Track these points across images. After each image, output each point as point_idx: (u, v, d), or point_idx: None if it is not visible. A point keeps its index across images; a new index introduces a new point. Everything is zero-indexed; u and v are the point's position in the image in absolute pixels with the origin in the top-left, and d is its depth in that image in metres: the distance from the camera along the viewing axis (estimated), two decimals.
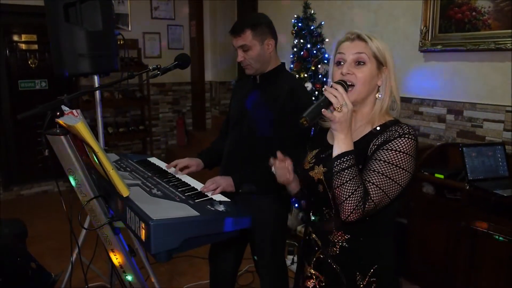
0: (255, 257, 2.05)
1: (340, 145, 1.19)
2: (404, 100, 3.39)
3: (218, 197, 1.56)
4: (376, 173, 1.19)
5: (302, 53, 3.54)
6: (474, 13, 2.82)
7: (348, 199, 1.16)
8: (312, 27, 3.53)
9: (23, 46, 4.94)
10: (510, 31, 2.63)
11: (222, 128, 2.20)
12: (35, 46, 4.99)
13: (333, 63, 1.35)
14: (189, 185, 1.67)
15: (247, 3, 5.52)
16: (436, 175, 2.66)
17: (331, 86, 1.21)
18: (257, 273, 2.18)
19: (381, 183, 1.18)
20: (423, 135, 3.28)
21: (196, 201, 1.46)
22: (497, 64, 2.77)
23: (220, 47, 5.97)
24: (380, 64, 1.30)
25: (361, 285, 1.31)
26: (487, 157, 2.58)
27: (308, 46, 3.52)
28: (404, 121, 3.36)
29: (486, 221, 2.35)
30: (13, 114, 4.81)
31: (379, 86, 1.32)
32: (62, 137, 1.37)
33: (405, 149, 1.20)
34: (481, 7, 2.78)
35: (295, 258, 3.12)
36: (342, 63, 1.30)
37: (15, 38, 4.89)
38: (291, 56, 3.67)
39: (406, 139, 1.21)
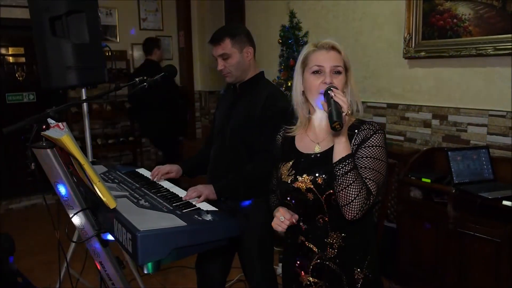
0: (243, 265, 2.07)
1: (341, 149, 1.26)
2: (390, 106, 3.44)
3: (205, 206, 1.57)
4: (369, 169, 1.28)
5: (289, 61, 3.58)
6: (455, 20, 2.89)
7: (356, 199, 1.23)
8: (298, 36, 3.57)
9: (11, 59, 4.91)
10: (490, 37, 2.70)
11: (207, 136, 2.23)
12: (23, 59, 4.96)
13: (302, 71, 1.41)
14: (177, 195, 1.68)
15: (235, 12, 5.57)
16: (423, 179, 2.69)
17: (330, 91, 1.27)
18: (247, 281, 2.19)
19: (375, 177, 1.28)
20: (410, 140, 3.33)
21: (184, 211, 1.47)
22: (478, 69, 2.83)
23: (209, 56, 5.99)
24: (347, 70, 1.39)
25: (360, 279, 1.37)
26: (472, 160, 2.63)
27: (295, 54, 3.56)
28: (391, 126, 3.44)
29: (473, 223, 2.39)
30: (1, 127, 4.75)
31: (344, 91, 1.39)
32: (48, 150, 1.38)
33: (381, 143, 1.32)
34: (461, 14, 2.84)
35: None
36: (320, 72, 1.36)
37: (3, 51, 4.87)
38: (278, 65, 3.70)
39: (379, 134, 1.33)
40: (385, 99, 3.47)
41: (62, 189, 1.44)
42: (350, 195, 1.23)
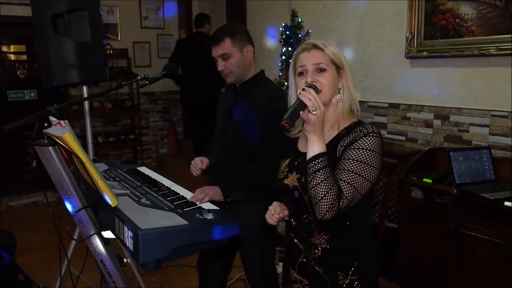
0: (244, 264, 2.06)
1: (314, 147, 1.24)
2: (392, 106, 3.43)
3: (207, 206, 1.57)
4: (346, 171, 1.25)
5: (290, 61, 3.58)
6: (457, 20, 2.88)
7: (323, 198, 1.21)
8: (300, 35, 3.57)
9: (12, 56, 4.92)
10: (492, 37, 2.69)
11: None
12: (24, 57, 4.97)
13: (294, 75, 1.41)
14: (178, 194, 1.68)
15: (236, 11, 5.56)
16: (425, 179, 2.69)
17: (304, 90, 1.26)
18: (247, 280, 2.19)
19: (352, 180, 1.24)
20: (411, 140, 3.32)
21: (185, 210, 1.46)
22: (481, 69, 2.82)
23: None
24: (338, 67, 1.37)
25: (344, 285, 1.34)
26: (474, 161, 2.62)
27: None
28: (392, 126, 3.43)
29: (474, 224, 2.38)
30: (2, 125, 4.73)
31: (339, 89, 1.38)
32: (50, 148, 1.37)
33: (371, 147, 1.27)
34: (464, 14, 2.84)
35: None
36: (304, 73, 1.36)
37: (4, 48, 4.87)
38: (280, 64, 3.70)
39: (371, 137, 1.28)
40: (386, 98, 3.47)
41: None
42: (319, 194, 1.21)
